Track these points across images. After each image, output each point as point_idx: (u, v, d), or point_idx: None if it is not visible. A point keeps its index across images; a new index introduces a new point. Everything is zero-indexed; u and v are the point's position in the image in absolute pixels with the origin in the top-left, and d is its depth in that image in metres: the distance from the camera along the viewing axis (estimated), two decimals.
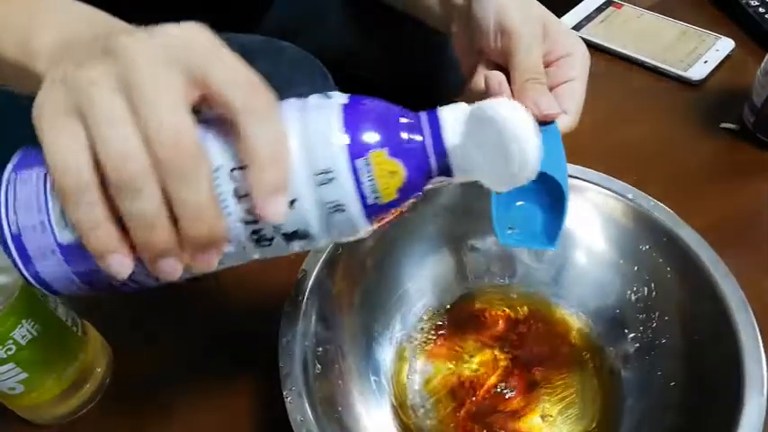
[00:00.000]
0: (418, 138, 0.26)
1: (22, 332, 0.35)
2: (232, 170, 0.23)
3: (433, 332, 0.43)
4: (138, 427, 0.41)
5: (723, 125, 0.57)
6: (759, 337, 0.33)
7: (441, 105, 0.27)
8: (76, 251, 0.23)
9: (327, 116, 0.25)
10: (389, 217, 0.26)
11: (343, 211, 0.24)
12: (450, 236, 0.44)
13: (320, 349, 0.37)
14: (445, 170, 0.26)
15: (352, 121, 0.25)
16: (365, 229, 0.26)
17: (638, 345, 0.40)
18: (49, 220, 0.23)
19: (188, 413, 0.41)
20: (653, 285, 0.40)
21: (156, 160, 0.21)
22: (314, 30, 0.69)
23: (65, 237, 0.23)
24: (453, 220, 0.44)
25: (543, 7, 0.42)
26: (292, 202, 0.24)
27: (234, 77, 0.23)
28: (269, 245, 0.25)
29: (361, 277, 0.41)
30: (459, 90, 0.45)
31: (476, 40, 0.42)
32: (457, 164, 0.26)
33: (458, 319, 0.44)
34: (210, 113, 0.24)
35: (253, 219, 0.24)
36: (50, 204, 0.23)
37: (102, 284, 0.25)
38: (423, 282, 0.44)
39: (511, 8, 0.40)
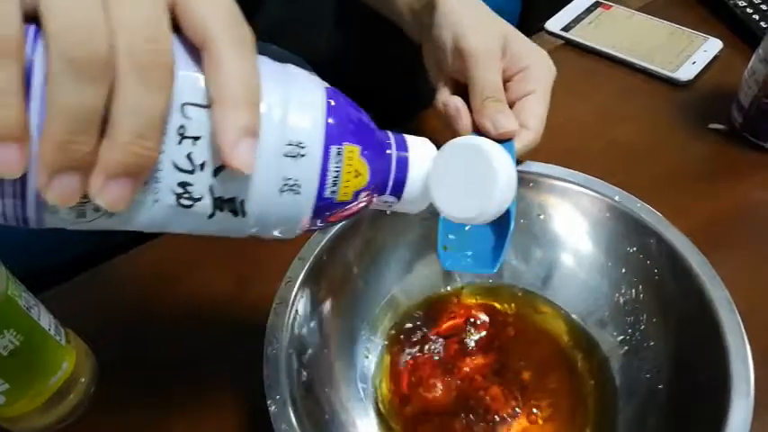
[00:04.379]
0: (387, 150, 0.26)
1: (4, 342, 0.34)
2: (184, 105, 0.20)
3: (420, 337, 0.43)
4: None
5: (711, 126, 0.57)
6: (745, 339, 0.33)
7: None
8: None
9: (313, 89, 0.23)
10: (327, 220, 0.25)
11: (298, 193, 0.22)
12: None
13: (306, 357, 0.36)
14: (397, 189, 0.26)
15: (336, 107, 0.23)
16: (302, 224, 0.24)
17: (626, 347, 0.40)
18: None
19: (173, 423, 0.40)
20: (640, 287, 0.40)
21: (126, 48, 0.18)
22: (302, 32, 0.69)
23: None
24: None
25: (503, 21, 0.42)
26: None
27: (216, 1, 0.20)
28: (189, 206, 0.21)
29: (347, 283, 0.41)
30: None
31: (438, 59, 0.43)
32: (412, 187, 0.26)
33: (446, 322, 0.44)
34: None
35: (190, 168, 0.21)
36: None
37: None
38: (409, 286, 0.44)
39: (467, 29, 0.40)
